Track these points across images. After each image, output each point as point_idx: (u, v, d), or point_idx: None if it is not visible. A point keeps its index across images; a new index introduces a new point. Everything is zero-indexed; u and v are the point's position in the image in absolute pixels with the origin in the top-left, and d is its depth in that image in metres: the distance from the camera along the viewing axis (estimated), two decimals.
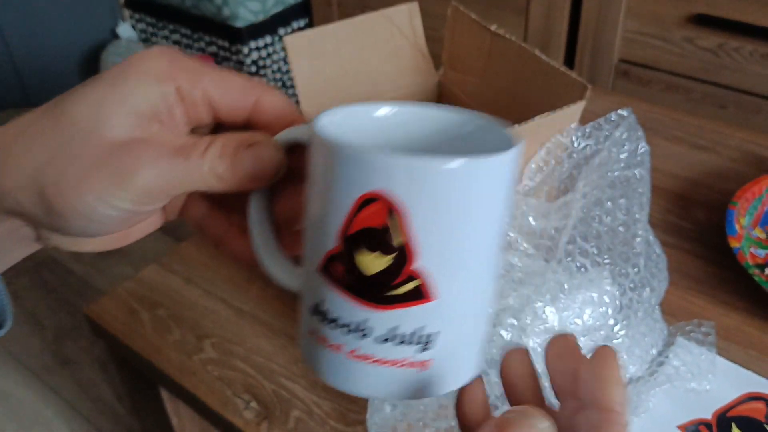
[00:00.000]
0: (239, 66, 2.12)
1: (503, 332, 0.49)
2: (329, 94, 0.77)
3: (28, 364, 1.52)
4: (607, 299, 0.51)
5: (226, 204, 0.37)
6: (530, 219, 0.56)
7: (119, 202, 0.31)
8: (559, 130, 0.60)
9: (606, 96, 1.09)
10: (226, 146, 0.32)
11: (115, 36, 2.37)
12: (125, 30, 2.35)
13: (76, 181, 0.31)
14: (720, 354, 0.65)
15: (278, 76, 2.20)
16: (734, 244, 0.74)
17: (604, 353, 0.31)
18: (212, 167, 0.32)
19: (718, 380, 0.62)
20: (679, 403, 0.61)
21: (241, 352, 0.69)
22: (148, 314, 0.74)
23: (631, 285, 0.53)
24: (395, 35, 0.79)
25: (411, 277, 0.29)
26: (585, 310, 0.50)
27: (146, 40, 2.38)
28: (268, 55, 2.15)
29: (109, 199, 0.31)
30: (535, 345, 0.49)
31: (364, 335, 0.30)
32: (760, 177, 0.84)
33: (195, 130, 0.35)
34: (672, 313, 0.69)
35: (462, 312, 0.31)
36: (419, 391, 0.31)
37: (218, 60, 2.17)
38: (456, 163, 0.27)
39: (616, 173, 0.57)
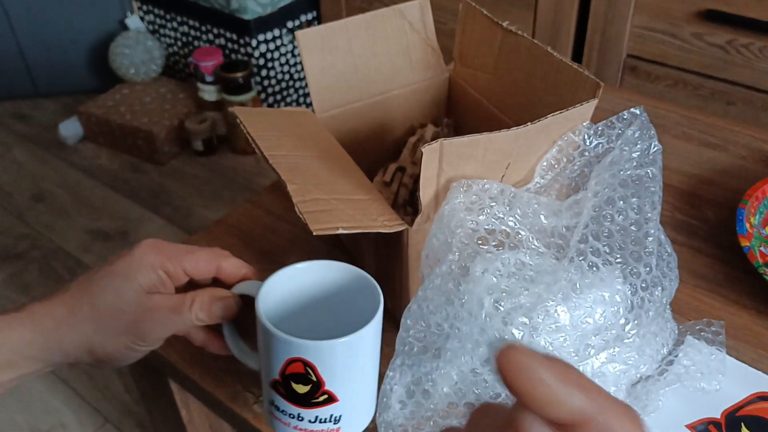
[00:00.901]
0: (247, 58, 2.11)
1: (515, 331, 0.49)
2: (340, 89, 0.77)
3: None
4: (618, 298, 0.51)
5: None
6: (541, 217, 0.56)
7: (142, 349, 0.54)
8: (572, 128, 0.60)
9: (614, 92, 1.09)
10: (204, 301, 0.54)
11: (123, 27, 2.37)
12: (134, 21, 2.35)
13: (114, 343, 0.52)
14: (729, 353, 0.65)
15: (285, 68, 2.20)
16: (744, 242, 0.74)
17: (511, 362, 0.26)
18: (196, 316, 0.54)
19: (727, 380, 0.62)
20: (688, 402, 0.61)
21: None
22: None
23: (643, 284, 0.52)
24: (407, 31, 0.79)
25: (323, 393, 0.52)
26: (597, 309, 0.50)
27: (154, 32, 2.38)
28: (276, 48, 2.14)
29: (135, 348, 0.53)
30: (547, 344, 0.49)
31: (300, 419, 0.54)
32: None
33: (178, 289, 0.55)
34: (681, 311, 0.70)
35: (354, 403, 0.54)
36: None
37: (226, 52, 2.17)
38: (339, 341, 0.50)
39: (628, 172, 0.56)
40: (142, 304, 0.52)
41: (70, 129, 2.24)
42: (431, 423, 0.56)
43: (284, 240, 0.82)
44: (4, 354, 0.50)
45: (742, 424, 0.59)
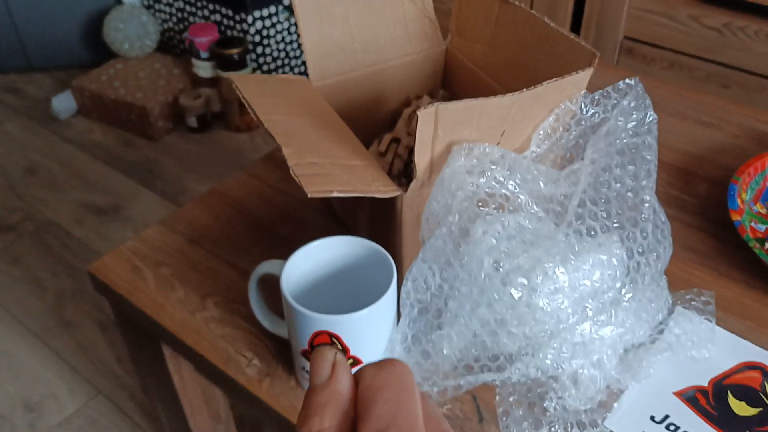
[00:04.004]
0: (243, 34, 2.10)
1: (513, 291, 0.50)
2: (336, 58, 0.77)
3: (29, 326, 1.53)
4: (616, 262, 0.52)
5: None
6: (540, 183, 0.56)
7: None
8: (567, 96, 0.60)
9: (611, 70, 1.09)
10: None
11: (118, 1, 2.35)
12: None
13: None
14: (718, 325, 0.66)
15: (281, 46, 2.19)
16: (735, 217, 0.74)
17: None
18: None
19: (715, 349, 0.63)
20: (676, 370, 0.62)
21: (244, 311, 0.69)
22: (151, 272, 0.74)
23: (639, 249, 0.53)
24: (404, 1, 0.78)
25: (349, 358, 0.56)
26: (595, 272, 0.51)
27: (149, 7, 2.36)
28: (272, 25, 2.13)
29: None
30: (545, 305, 0.50)
31: None
32: (762, 153, 0.84)
33: None
34: (672, 283, 0.70)
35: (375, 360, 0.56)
36: None
37: (222, 28, 2.16)
38: (359, 314, 0.53)
39: (624, 141, 0.57)
40: None
41: (63, 103, 2.22)
42: (430, 383, 0.56)
43: (278, 210, 0.82)
44: None
45: (729, 392, 0.60)
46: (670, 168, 0.88)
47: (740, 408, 0.59)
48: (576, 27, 1.66)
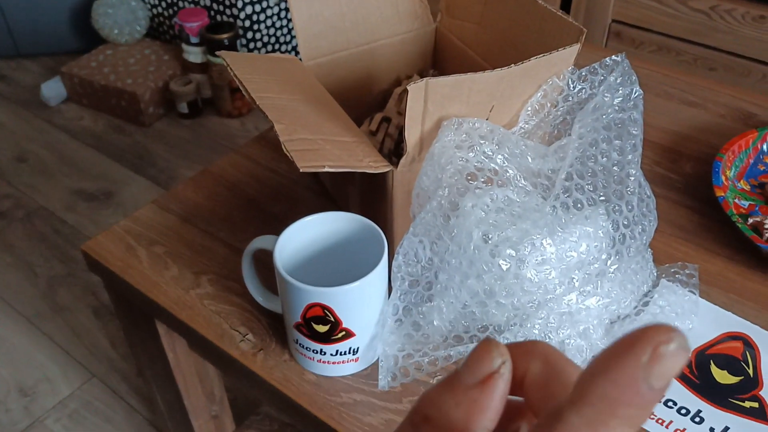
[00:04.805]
0: (233, 19, 2.10)
1: (501, 262, 0.51)
2: (327, 37, 0.77)
3: (21, 311, 1.53)
4: (602, 234, 0.53)
5: None
6: (528, 158, 0.57)
7: None
8: (555, 72, 0.61)
9: (600, 51, 1.10)
10: None
11: None
12: None
13: None
14: (702, 297, 0.68)
15: (271, 31, 2.19)
16: (719, 193, 0.76)
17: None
18: None
19: (699, 320, 0.64)
20: None
21: (238, 288, 0.70)
22: (145, 251, 0.75)
23: (625, 221, 0.54)
24: None
25: (342, 330, 0.58)
26: (581, 244, 0.52)
27: None
28: (262, 9, 2.13)
29: None
30: (533, 276, 0.51)
31: (323, 354, 0.60)
32: (747, 131, 0.85)
33: None
34: (657, 258, 0.72)
35: (369, 335, 0.60)
36: (356, 369, 0.62)
37: (212, 13, 2.16)
38: (351, 286, 0.55)
39: (611, 116, 0.58)
40: None
41: (53, 89, 2.21)
42: (421, 353, 0.57)
43: (271, 188, 0.83)
44: None
45: (711, 361, 0.62)
46: (656, 147, 0.89)
47: (722, 376, 0.61)
48: (565, 10, 1.67)
